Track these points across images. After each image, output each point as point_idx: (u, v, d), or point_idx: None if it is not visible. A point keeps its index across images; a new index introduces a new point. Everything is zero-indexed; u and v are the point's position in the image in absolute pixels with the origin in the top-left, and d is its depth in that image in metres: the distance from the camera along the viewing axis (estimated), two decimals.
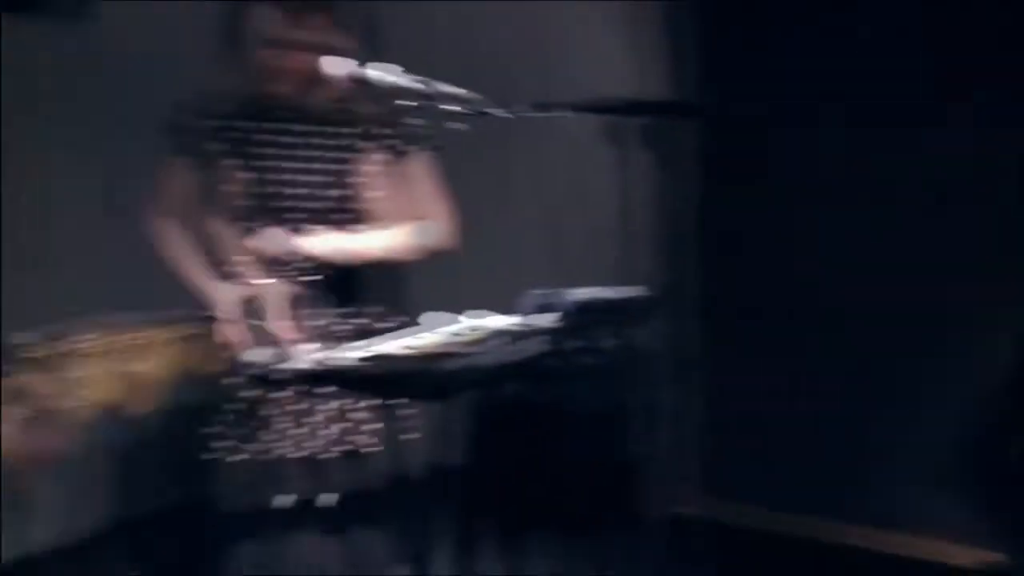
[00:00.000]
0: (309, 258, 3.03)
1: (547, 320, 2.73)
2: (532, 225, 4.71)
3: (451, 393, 2.72)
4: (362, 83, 2.77)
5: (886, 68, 4.44)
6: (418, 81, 2.75)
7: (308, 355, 2.76)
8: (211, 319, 2.36)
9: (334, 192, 3.14)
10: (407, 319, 3.11)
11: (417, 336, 2.74)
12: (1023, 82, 4.09)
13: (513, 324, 2.75)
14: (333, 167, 3.16)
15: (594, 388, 2.89)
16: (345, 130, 3.17)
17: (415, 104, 2.76)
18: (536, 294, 2.69)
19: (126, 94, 4.23)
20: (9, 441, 1.60)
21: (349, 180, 3.17)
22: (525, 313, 2.75)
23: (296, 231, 3.07)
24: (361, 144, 3.17)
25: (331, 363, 2.65)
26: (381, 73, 2.76)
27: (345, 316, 3.18)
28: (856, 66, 4.49)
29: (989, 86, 4.16)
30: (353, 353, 2.66)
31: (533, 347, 2.69)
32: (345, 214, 3.16)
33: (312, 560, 3.46)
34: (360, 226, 3.15)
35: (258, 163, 3.11)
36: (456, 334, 2.74)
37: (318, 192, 3.12)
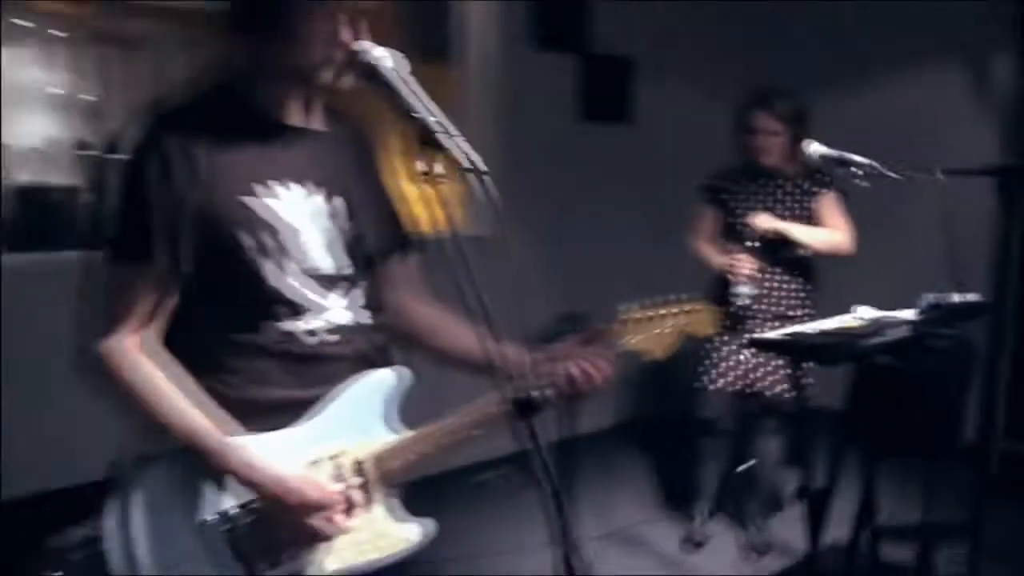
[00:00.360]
0: (775, 232, 3.59)
1: (913, 314, 2.90)
2: (911, 250, 4.63)
3: (843, 359, 2.89)
4: (804, 153, 3.16)
5: None
6: (838, 153, 3.04)
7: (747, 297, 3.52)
8: (717, 299, 2.56)
9: (789, 217, 3.69)
10: (816, 312, 3.60)
11: (832, 320, 3.01)
12: None
13: (892, 316, 2.96)
14: (789, 203, 3.72)
15: (940, 362, 2.88)
16: (794, 182, 3.72)
17: (840, 168, 3.03)
18: (923, 297, 2.89)
19: (666, 165, 4.97)
20: (591, 368, 1.76)
21: (798, 211, 3.70)
22: (901, 308, 2.94)
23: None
24: (802, 189, 3.72)
25: (772, 337, 3.00)
26: (817, 147, 3.09)
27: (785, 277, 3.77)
28: None
29: None
30: (788, 330, 3.02)
31: (902, 332, 2.84)
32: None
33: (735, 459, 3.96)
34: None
35: (749, 203, 3.72)
36: (851, 321, 2.98)
37: (783, 219, 3.68)
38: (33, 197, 6.39)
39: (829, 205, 3.71)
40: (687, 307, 1.82)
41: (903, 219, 4.87)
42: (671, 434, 4.20)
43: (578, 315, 2.42)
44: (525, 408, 1.38)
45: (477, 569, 3.70)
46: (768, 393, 3.76)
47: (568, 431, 2.80)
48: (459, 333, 1.83)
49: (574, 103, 5.10)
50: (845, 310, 3.12)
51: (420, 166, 1.41)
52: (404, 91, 1.48)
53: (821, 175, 3.69)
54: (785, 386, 3.72)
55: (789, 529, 3.81)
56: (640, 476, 4.74)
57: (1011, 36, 4.80)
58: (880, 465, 3.23)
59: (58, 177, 7.90)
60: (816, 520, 3.05)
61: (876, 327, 2.87)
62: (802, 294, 3.78)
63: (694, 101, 5.07)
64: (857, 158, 2.96)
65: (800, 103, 3.72)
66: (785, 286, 3.76)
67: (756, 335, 3.41)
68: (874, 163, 2.94)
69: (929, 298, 2.92)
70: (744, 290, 3.53)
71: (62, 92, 9.16)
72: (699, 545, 3.95)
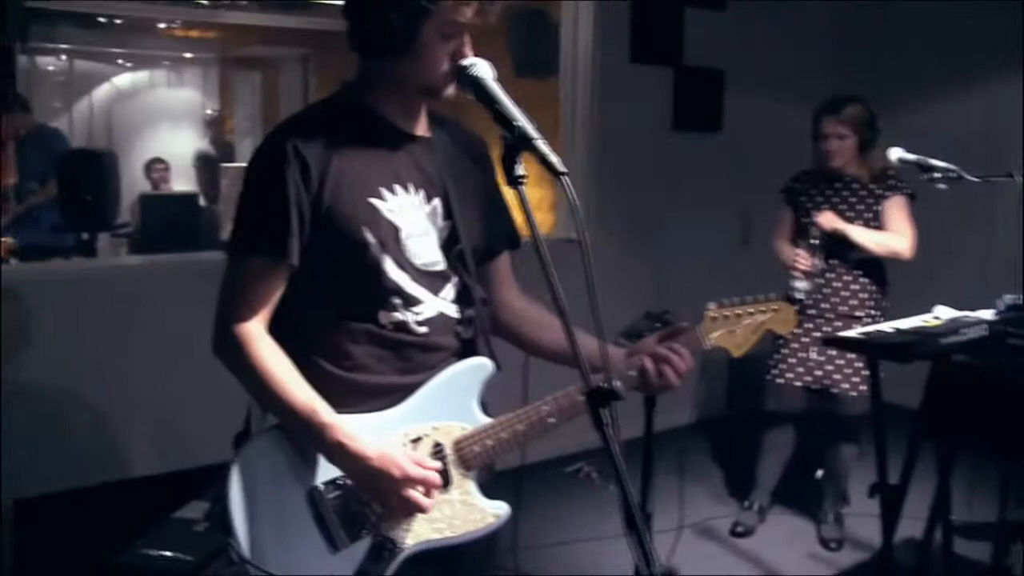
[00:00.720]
0: (836, 232, 3.52)
1: (991, 314, 2.87)
2: (990, 252, 4.73)
3: (920, 357, 2.84)
4: (873, 157, 2.91)
5: None
6: (918, 157, 2.99)
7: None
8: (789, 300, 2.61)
9: (857, 219, 3.61)
10: (881, 312, 3.59)
11: (909, 320, 2.96)
12: None
13: (970, 316, 2.91)
14: (857, 205, 3.63)
15: (1017, 361, 2.79)
16: (863, 185, 3.64)
17: (921, 173, 2.97)
18: (1001, 297, 2.88)
19: (752, 171, 5.00)
20: (667, 364, 1.74)
21: (865, 214, 3.62)
22: (979, 309, 2.90)
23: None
24: (871, 192, 3.63)
25: (849, 335, 2.96)
26: (897, 151, 3.04)
27: (848, 277, 3.69)
28: None
29: None
30: (865, 328, 2.98)
31: (980, 331, 2.81)
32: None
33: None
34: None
35: (820, 205, 3.66)
36: (928, 320, 2.94)
37: (850, 221, 3.61)
38: (155, 204, 6.65)
39: (895, 208, 3.61)
40: (767, 305, 1.82)
41: (982, 222, 4.79)
42: (749, 430, 4.16)
43: (662, 313, 2.43)
44: (599, 398, 1.38)
45: (561, 557, 3.69)
46: (837, 390, 3.70)
47: (651, 425, 2.78)
48: (554, 327, 1.75)
49: (667, 113, 5.18)
50: (924, 310, 3.05)
51: (520, 170, 1.43)
52: (505, 100, 1.52)
53: (890, 179, 3.63)
54: (851, 384, 3.64)
55: (863, 524, 3.77)
56: (718, 471, 4.69)
57: None
58: (955, 462, 3.18)
59: (180, 185, 8.21)
60: (890, 516, 3.01)
61: (953, 326, 2.82)
62: (865, 295, 3.68)
63: (779, 111, 5.04)
64: (937, 162, 2.92)
65: (869, 109, 3.65)
66: (850, 286, 3.68)
67: (830, 334, 3.36)
68: (954, 167, 2.90)
69: (1007, 299, 2.89)
70: (799, 284, 3.47)
71: (188, 108, 9.52)
72: (745, 534, 3.92)
